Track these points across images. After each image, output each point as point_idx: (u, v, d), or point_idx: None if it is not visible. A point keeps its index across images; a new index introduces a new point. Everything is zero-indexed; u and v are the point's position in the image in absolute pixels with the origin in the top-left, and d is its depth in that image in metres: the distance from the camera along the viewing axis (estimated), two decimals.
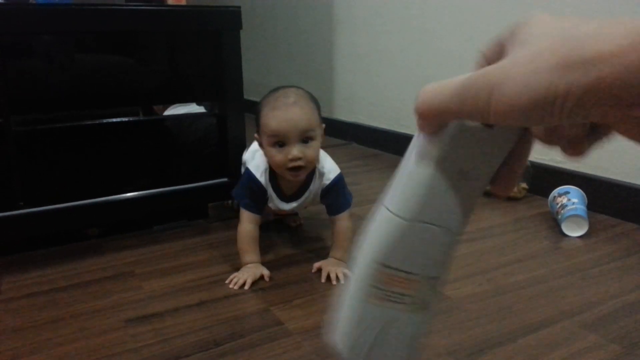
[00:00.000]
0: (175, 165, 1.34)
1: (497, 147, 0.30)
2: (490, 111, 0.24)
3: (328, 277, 1.00)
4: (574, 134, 0.27)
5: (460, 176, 0.30)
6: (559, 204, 1.27)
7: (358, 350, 0.35)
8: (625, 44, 0.20)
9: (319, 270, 1.03)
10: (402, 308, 0.34)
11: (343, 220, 1.06)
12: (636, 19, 0.21)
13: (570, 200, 1.26)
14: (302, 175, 1.01)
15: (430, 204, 0.31)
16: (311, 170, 1.04)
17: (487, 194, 0.34)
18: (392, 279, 0.33)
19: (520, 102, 0.22)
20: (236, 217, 1.08)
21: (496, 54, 0.27)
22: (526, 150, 0.30)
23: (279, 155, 0.97)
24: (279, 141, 0.97)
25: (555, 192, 1.33)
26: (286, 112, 0.96)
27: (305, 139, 0.97)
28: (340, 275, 1.00)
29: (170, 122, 1.43)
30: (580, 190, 1.31)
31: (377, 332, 0.34)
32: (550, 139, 0.27)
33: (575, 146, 0.27)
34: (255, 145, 1.13)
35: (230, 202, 1.36)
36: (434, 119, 0.28)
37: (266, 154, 1.02)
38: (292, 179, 1.01)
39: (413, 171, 0.31)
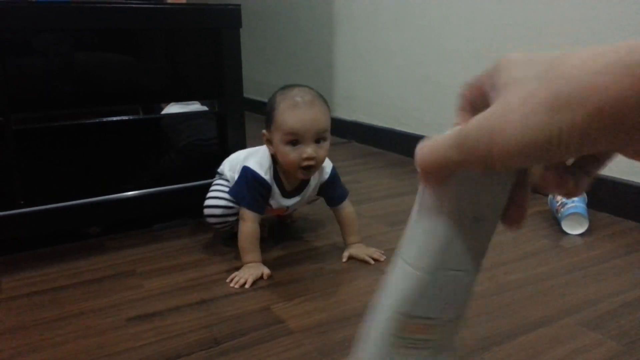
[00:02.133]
0: (174, 164, 1.34)
1: (502, 186, 0.30)
2: (493, 159, 0.24)
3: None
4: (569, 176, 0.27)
5: (473, 222, 0.31)
6: (559, 202, 1.27)
7: None
8: (618, 72, 0.20)
9: (350, 259, 1.08)
10: (426, 353, 0.34)
11: (347, 207, 1.12)
12: (612, 45, 0.21)
13: (570, 198, 1.26)
14: (312, 174, 1.04)
15: (447, 253, 0.31)
16: (318, 169, 1.06)
17: None
18: (414, 327, 0.33)
19: (523, 145, 0.23)
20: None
21: (477, 97, 0.28)
22: (527, 180, 0.30)
23: (293, 154, 0.98)
24: (295, 140, 0.98)
25: None
26: (306, 112, 0.97)
27: (318, 139, 0.99)
28: (376, 255, 1.08)
29: (170, 120, 1.43)
30: None
31: None
32: (545, 188, 0.28)
33: (574, 185, 0.27)
34: (235, 155, 1.15)
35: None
36: (437, 174, 0.29)
37: (277, 152, 1.01)
38: (302, 177, 1.03)
39: (424, 223, 0.32)
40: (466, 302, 0.34)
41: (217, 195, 1.11)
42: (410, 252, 0.33)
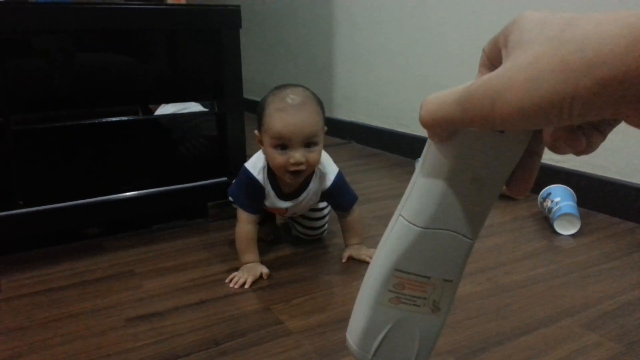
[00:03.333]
0: (174, 164, 1.34)
1: (510, 151, 0.30)
2: (495, 119, 0.24)
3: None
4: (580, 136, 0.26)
5: (474, 182, 0.31)
6: (546, 208, 1.27)
7: (368, 348, 0.36)
8: (625, 43, 0.20)
9: (350, 259, 1.08)
10: (414, 310, 0.35)
11: (354, 213, 1.10)
12: (630, 12, 0.21)
13: (553, 201, 1.26)
14: (301, 179, 1.01)
15: (445, 211, 0.32)
16: (311, 171, 1.04)
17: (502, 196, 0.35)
18: (409, 283, 0.34)
19: (525, 108, 0.22)
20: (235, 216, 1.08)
21: (494, 54, 0.27)
22: (540, 149, 0.30)
23: (280, 158, 0.95)
24: (282, 144, 0.95)
25: (539, 196, 1.33)
26: (293, 116, 0.93)
27: (308, 143, 0.96)
28: None
29: (170, 120, 1.43)
30: (563, 186, 1.30)
31: (386, 330, 0.35)
32: (557, 146, 0.27)
33: (586, 145, 0.27)
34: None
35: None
36: (441, 129, 0.28)
37: (266, 154, 0.99)
38: (291, 181, 1.00)
39: (426, 180, 0.32)
40: (461, 267, 0.35)
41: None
42: (409, 208, 0.33)
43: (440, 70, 1.79)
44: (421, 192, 0.32)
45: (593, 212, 1.33)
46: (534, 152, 0.30)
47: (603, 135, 0.27)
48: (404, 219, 0.33)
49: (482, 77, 0.25)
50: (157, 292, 0.97)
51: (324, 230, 1.20)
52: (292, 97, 0.95)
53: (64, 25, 1.08)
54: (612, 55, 0.20)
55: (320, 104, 0.99)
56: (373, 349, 0.36)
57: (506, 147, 0.30)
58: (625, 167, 1.30)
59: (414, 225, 0.32)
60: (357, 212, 1.10)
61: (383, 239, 0.35)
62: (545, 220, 1.29)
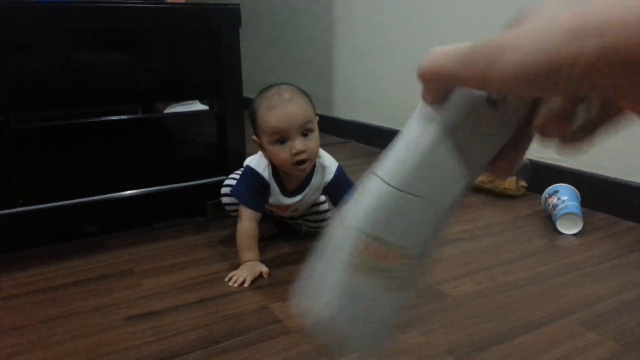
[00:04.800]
0: (174, 163, 1.33)
1: (500, 129, 0.29)
2: (494, 76, 0.23)
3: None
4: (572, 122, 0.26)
5: (460, 152, 0.29)
6: (551, 205, 1.27)
7: (323, 315, 0.32)
8: (638, 12, 0.19)
9: None
10: (381, 284, 0.31)
11: None
12: None
13: (560, 199, 1.26)
14: (308, 168, 1.03)
15: (425, 175, 0.30)
16: (314, 162, 1.05)
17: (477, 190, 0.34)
18: (375, 251, 0.31)
19: (526, 66, 0.22)
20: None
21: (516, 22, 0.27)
22: (529, 135, 0.29)
23: (283, 152, 0.98)
24: (280, 138, 0.98)
25: (545, 193, 1.33)
26: (284, 108, 0.97)
27: (305, 132, 0.99)
28: None
29: (169, 119, 1.43)
30: (570, 186, 1.31)
31: (345, 300, 0.32)
32: (546, 131, 0.27)
33: (575, 137, 0.26)
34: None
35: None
36: (437, 85, 0.28)
37: (269, 153, 1.02)
38: (298, 173, 1.03)
39: (412, 140, 0.30)
40: (431, 243, 0.32)
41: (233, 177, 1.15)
42: (386, 166, 0.30)
43: None
44: (401, 152, 0.30)
45: (593, 211, 1.33)
46: (524, 135, 0.29)
47: (594, 135, 0.26)
48: (379, 177, 0.30)
49: (491, 37, 0.24)
50: (157, 290, 0.97)
51: (329, 219, 1.20)
52: (279, 94, 1.00)
53: (64, 24, 1.08)
54: (627, 23, 0.19)
55: (306, 94, 1.03)
56: (328, 317, 0.32)
57: (497, 124, 0.29)
58: (625, 166, 1.30)
59: (388, 184, 0.30)
60: None
61: (351, 198, 0.32)
62: (545, 220, 1.29)
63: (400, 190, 0.30)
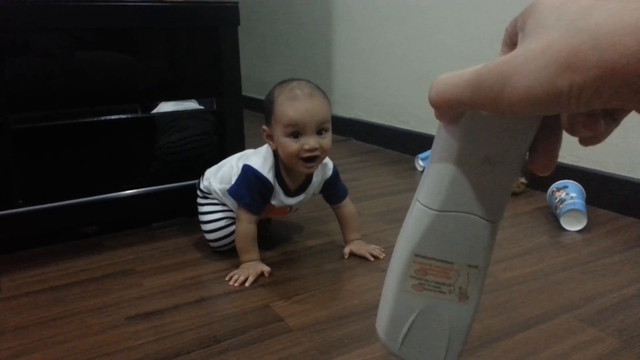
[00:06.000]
0: (173, 163, 1.33)
1: (521, 131, 0.30)
2: (504, 103, 0.24)
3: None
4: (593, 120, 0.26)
5: (486, 163, 0.30)
6: (558, 199, 1.27)
7: (395, 336, 0.36)
8: (637, 34, 0.20)
9: (351, 255, 1.09)
10: (439, 297, 0.34)
11: (348, 205, 1.12)
12: None
13: (568, 194, 1.26)
14: (316, 166, 1.01)
15: (458, 193, 0.31)
16: (321, 162, 1.04)
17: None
18: (428, 269, 0.34)
19: (533, 94, 0.23)
20: None
21: (514, 34, 0.27)
22: (559, 124, 0.29)
23: (294, 146, 0.96)
24: (295, 131, 0.96)
25: (553, 186, 1.33)
26: (306, 103, 0.96)
27: (320, 130, 0.98)
28: (376, 252, 1.08)
29: (168, 119, 1.42)
30: (578, 184, 1.32)
31: (413, 318, 0.35)
32: (574, 127, 0.27)
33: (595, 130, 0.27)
34: (219, 165, 1.13)
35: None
36: (449, 110, 0.29)
37: (278, 145, 0.99)
38: (305, 170, 1.00)
39: (438, 163, 0.32)
40: (484, 253, 0.34)
41: (215, 218, 1.10)
42: (424, 191, 0.33)
43: (439, 67, 1.79)
44: (433, 175, 0.32)
45: (593, 207, 1.33)
46: (554, 128, 0.29)
47: (617, 122, 0.27)
48: (420, 202, 0.33)
49: (495, 61, 0.25)
50: (157, 290, 0.97)
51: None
52: (301, 87, 0.99)
53: (62, 24, 1.08)
54: (623, 47, 0.20)
55: (325, 95, 1.02)
56: (401, 338, 0.36)
57: (517, 128, 0.29)
58: (625, 162, 1.30)
59: (429, 208, 0.32)
60: (352, 205, 1.13)
61: (403, 225, 0.35)
62: (545, 216, 1.29)
63: (441, 211, 0.32)
